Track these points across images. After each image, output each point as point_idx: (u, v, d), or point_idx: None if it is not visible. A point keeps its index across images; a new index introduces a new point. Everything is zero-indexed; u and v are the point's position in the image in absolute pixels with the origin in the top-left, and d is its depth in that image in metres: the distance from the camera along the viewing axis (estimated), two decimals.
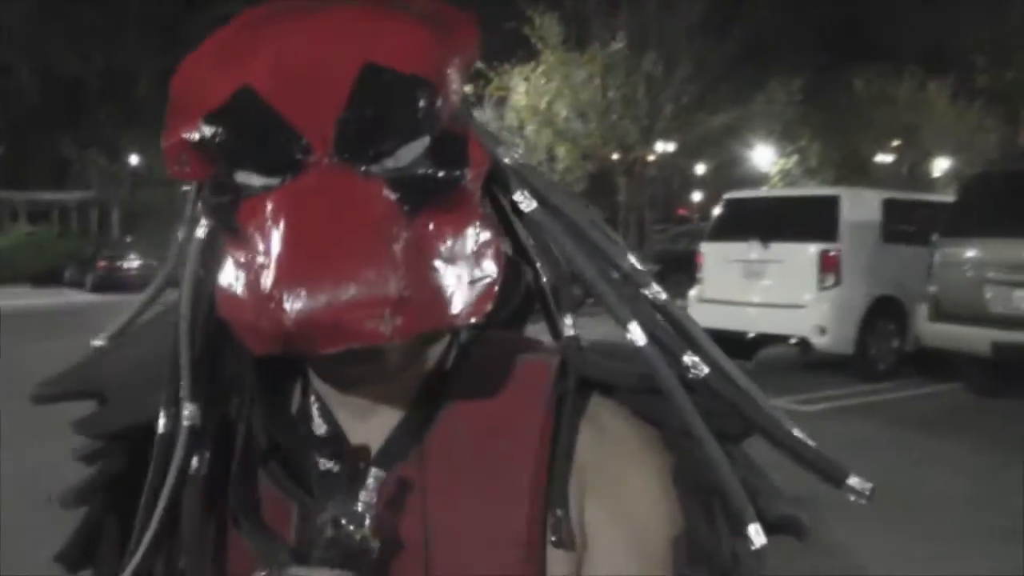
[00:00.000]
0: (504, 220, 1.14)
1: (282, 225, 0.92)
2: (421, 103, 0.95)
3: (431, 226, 0.96)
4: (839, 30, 51.66)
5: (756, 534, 1.00)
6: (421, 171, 0.95)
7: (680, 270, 19.83)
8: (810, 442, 1.03)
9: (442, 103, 0.96)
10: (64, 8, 47.94)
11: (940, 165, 50.80)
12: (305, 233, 0.91)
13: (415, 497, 1.06)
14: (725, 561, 1.04)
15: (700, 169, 46.08)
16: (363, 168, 0.94)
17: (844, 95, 49.26)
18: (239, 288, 0.97)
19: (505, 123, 31.32)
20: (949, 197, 17.69)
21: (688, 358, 1.04)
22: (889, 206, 14.18)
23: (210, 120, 0.96)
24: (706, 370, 1.04)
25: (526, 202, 1.10)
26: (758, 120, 39.92)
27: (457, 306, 0.97)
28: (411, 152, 0.96)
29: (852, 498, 1.00)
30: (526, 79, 31.71)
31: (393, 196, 0.94)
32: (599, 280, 1.07)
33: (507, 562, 1.03)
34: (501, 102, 31.39)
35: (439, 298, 0.96)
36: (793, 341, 13.72)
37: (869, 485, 1.00)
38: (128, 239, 43.36)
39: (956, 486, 8.08)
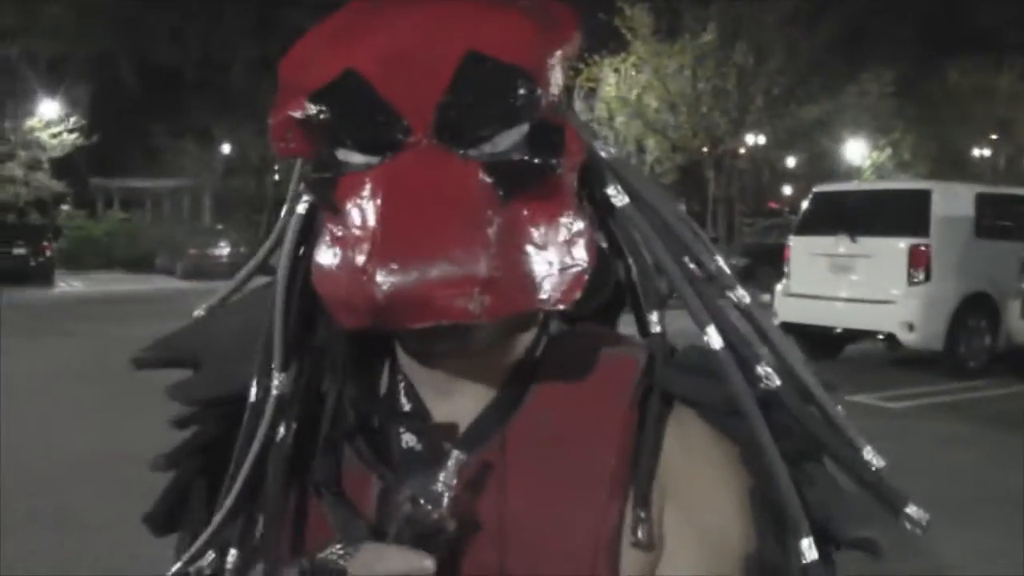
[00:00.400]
0: (599, 214, 1.15)
1: (379, 201, 0.96)
2: (521, 92, 0.97)
3: (524, 212, 0.99)
4: (935, 20, 50.73)
5: (808, 548, 1.01)
6: (517, 157, 0.98)
7: (769, 263, 19.74)
8: (878, 462, 1.04)
9: (541, 93, 0.99)
10: None
11: None
12: (401, 210, 0.95)
13: (494, 481, 1.07)
14: None
15: (791, 162, 45.60)
16: (461, 152, 0.97)
17: (939, 87, 48.51)
18: (335, 262, 1.00)
19: (595, 114, 31.29)
20: None
21: (761, 369, 1.06)
22: (982, 200, 14.00)
23: (315, 98, 0.99)
24: (777, 383, 1.05)
25: (618, 196, 1.12)
26: (850, 112, 39.43)
27: (546, 291, 0.99)
28: (508, 139, 0.98)
29: (908, 527, 1.01)
30: (616, 70, 31.65)
31: (488, 180, 0.97)
32: (682, 280, 1.09)
33: (581, 553, 1.04)
34: (591, 93, 31.36)
35: (528, 281, 0.98)
36: (881, 337, 13.59)
37: (926, 516, 1.01)
38: (219, 227, 43.88)
39: None
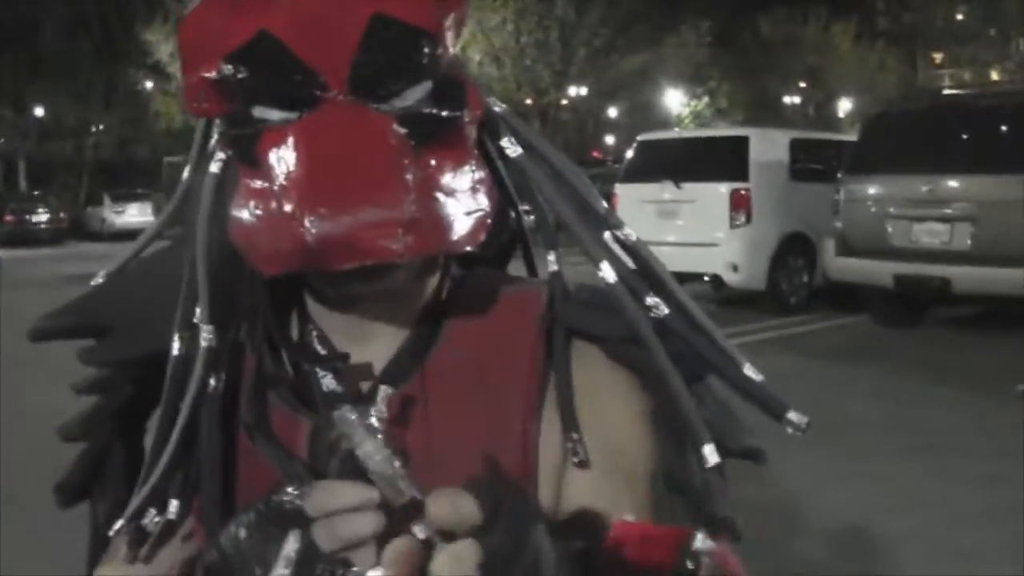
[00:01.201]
0: (490, 165, 1.18)
1: (304, 152, 1.00)
2: (425, 50, 1.04)
3: (433, 161, 1.04)
4: None
5: (711, 454, 1.08)
6: (426, 110, 1.05)
7: None
8: (757, 377, 1.11)
9: (442, 51, 1.06)
10: None
11: (844, 105, 51.49)
12: (326, 159, 1.00)
13: (418, 413, 1.12)
14: (698, 491, 1.12)
15: (613, 113, 46.15)
16: (375, 106, 1.03)
17: (752, 38, 49.61)
18: (257, 214, 1.04)
19: None
20: (853, 136, 18.05)
21: (650, 299, 1.13)
22: (796, 145, 14.45)
23: (230, 59, 1.03)
24: (666, 311, 1.13)
25: (512, 148, 1.18)
26: (670, 63, 40.00)
27: (458, 232, 1.06)
28: (415, 94, 1.05)
29: (790, 430, 1.08)
30: None
31: (402, 131, 1.02)
32: (576, 221, 1.16)
33: (507, 475, 1.10)
34: None
35: (443, 224, 1.04)
36: (706, 279, 13.93)
37: (805, 419, 1.09)
38: (36, 192, 42.48)
39: (870, 409, 8.42)
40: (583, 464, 1.11)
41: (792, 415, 1.09)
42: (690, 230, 13.85)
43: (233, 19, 1.04)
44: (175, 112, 39.69)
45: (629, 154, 16.21)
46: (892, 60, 49.93)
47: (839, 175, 12.85)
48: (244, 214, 1.07)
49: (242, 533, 0.97)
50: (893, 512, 6.05)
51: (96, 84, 45.84)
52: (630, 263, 1.16)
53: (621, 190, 15.07)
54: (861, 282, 12.46)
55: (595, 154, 50.49)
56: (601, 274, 1.14)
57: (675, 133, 20.07)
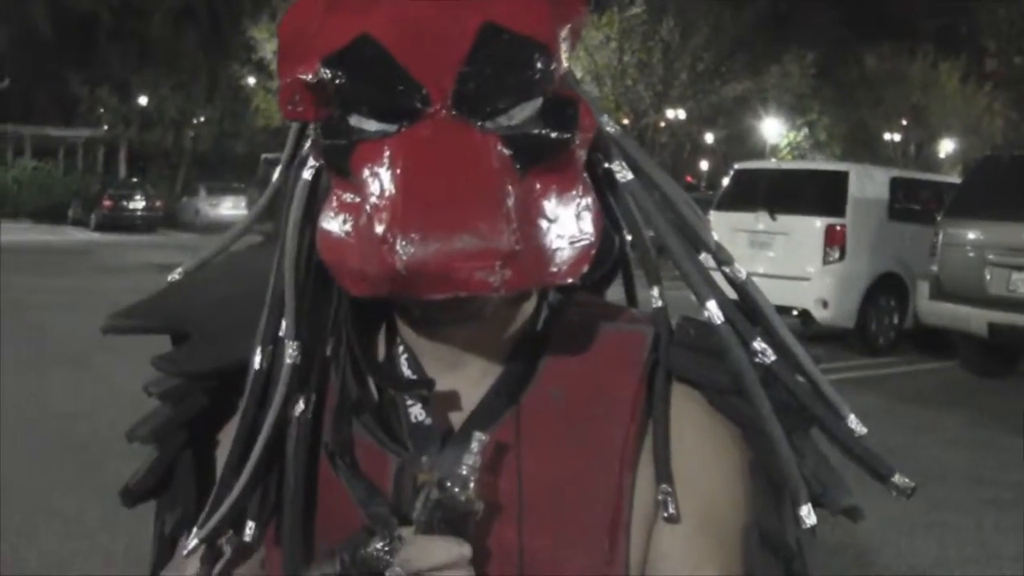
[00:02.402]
0: (598, 187, 1.12)
1: (400, 170, 0.94)
2: (537, 64, 0.98)
3: (538, 185, 0.99)
4: (855, 5, 51.40)
5: (808, 515, 1.05)
6: (535, 131, 0.98)
7: None
8: (861, 430, 1.08)
9: (555, 66, 1.00)
10: None
11: (946, 146, 50.76)
12: (423, 180, 0.93)
13: (511, 459, 1.07)
14: (791, 549, 1.10)
15: (710, 138, 45.97)
16: (479, 124, 0.97)
17: (856, 71, 49.13)
18: (346, 230, 1.00)
19: None
20: (954, 178, 17.78)
21: (757, 344, 1.08)
22: (896, 184, 14.28)
23: (329, 63, 0.98)
24: (772, 358, 1.08)
25: (622, 172, 1.12)
26: (771, 92, 39.77)
27: (559, 264, 1.00)
28: (524, 112, 0.99)
29: (894, 494, 1.07)
30: None
31: (507, 153, 0.97)
32: (684, 256, 1.11)
33: (598, 527, 1.06)
34: None
35: (544, 255, 0.98)
36: (795, 313, 13.84)
37: (911, 484, 1.06)
38: (134, 180, 43.20)
39: (954, 458, 8.25)
40: (673, 519, 1.07)
41: (897, 479, 1.06)
42: (782, 262, 13.75)
43: (334, 17, 1.00)
44: (275, 110, 40.09)
45: (725, 181, 16.17)
46: (1000, 104, 49.11)
47: (939, 217, 12.66)
48: (333, 228, 1.02)
49: None
50: (967, 564, 5.95)
51: (199, 76, 46.57)
52: (736, 300, 1.12)
53: (715, 217, 15.00)
54: (953, 328, 12.27)
55: (688, 179, 50.37)
56: (707, 314, 1.09)
57: (773, 164, 19.98)
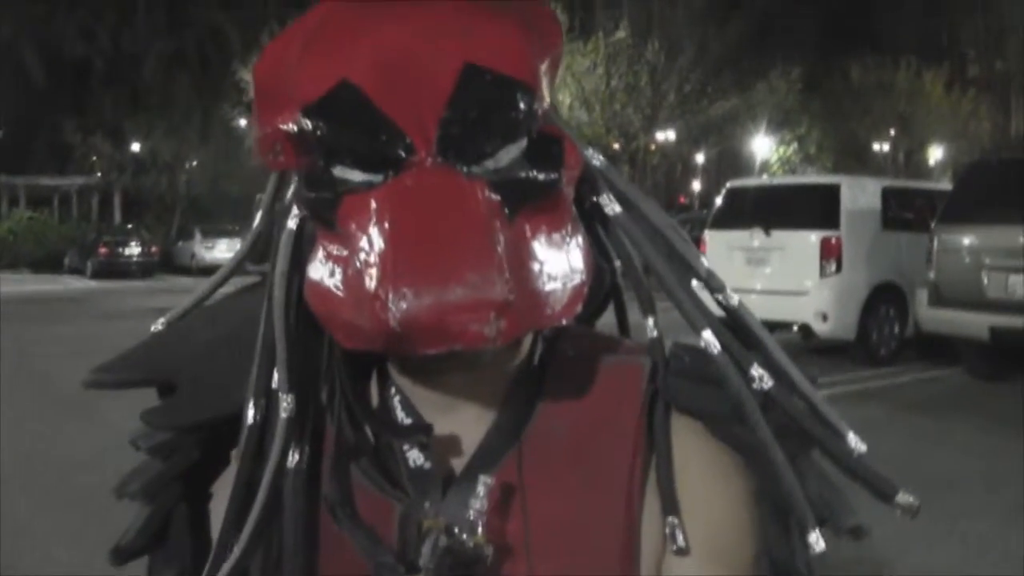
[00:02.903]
0: (586, 219, 1.12)
1: (388, 224, 0.92)
2: (521, 105, 0.96)
3: (527, 227, 0.97)
4: (838, 18, 51.66)
5: (816, 541, 1.03)
6: (522, 174, 0.97)
7: None
8: (861, 447, 1.07)
9: (539, 104, 0.98)
10: None
11: (935, 153, 50.94)
12: (412, 233, 0.91)
13: (516, 499, 1.05)
14: (801, 574, 1.09)
15: (701, 158, 46.04)
16: (465, 169, 0.95)
17: (842, 84, 49.34)
18: (335, 284, 0.98)
19: None
20: (946, 185, 17.83)
21: (755, 371, 1.07)
22: (888, 194, 14.29)
23: (309, 112, 0.96)
24: (770, 383, 1.07)
25: (610, 206, 1.11)
26: (759, 108, 39.86)
27: (553, 306, 0.99)
28: (510, 154, 0.97)
29: (899, 513, 1.05)
30: None
31: (495, 198, 0.94)
32: (676, 286, 1.10)
33: (607, 559, 1.05)
34: None
35: (537, 299, 0.97)
36: (795, 328, 13.81)
37: (916, 502, 1.04)
38: (129, 226, 43.32)
39: (966, 465, 8.22)
40: (682, 551, 1.05)
41: (901, 497, 1.04)
42: (779, 278, 13.77)
43: (311, 60, 0.97)
44: None
45: (718, 200, 16.18)
46: (985, 108, 49.30)
47: (933, 225, 12.67)
48: (322, 280, 1.00)
49: None
50: (997, 566, 5.93)
51: (192, 120, 46.68)
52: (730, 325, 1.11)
53: (710, 236, 15.03)
54: (955, 334, 12.27)
55: (681, 199, 50.44)
56: (703, 343, 1.08)
57: (765, 180, 20.05)
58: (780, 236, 13.88)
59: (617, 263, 1.18)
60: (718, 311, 1.12)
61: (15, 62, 47.65)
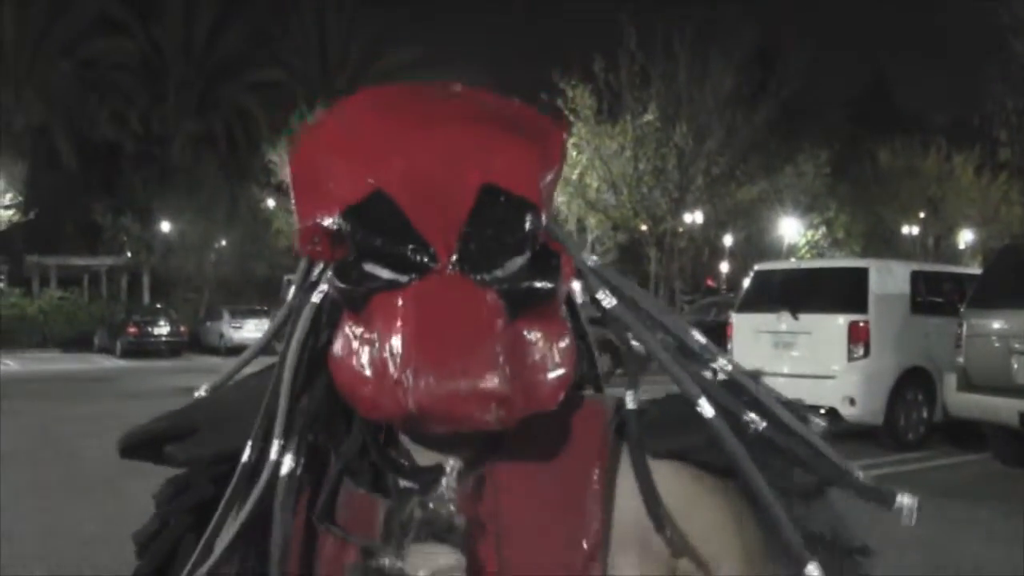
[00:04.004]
0: (573, 312, 1.28)
1: (412, 323, 1.06)
2: (528, 224, 1.11)
3: (526, 330, 1.12)
4: (866, 102, 51.85)
5: (814, 570, 1.13)
6: (524, 283, 1.12)
7: (710, 340, 19.91)
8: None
9: (542, 222, 1.14)
10: (102, 74, 48.52)
11: (965, 237, 50.78)
12: (431, 332, 1.06)
13: (488, 493, 1.19)
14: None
15: (728, 240, 46.08)
16: (477, 277, 1.10)
17: (870, 167, 49.38)
18: (361, 364, 1.11)
19: None
20: (975, 269, 17.77)
21: (747, 416, 1.18)
22: (917, 277, 14.30)
23: (347, 215, 1.10)
24: (763, 424, 1.18)
25: (607, 299, 1.25)
26: (786, 192, 39.92)
27: (540, 395, 1.13)
28: (515, 264, 1.12)
29: (905, 515, 1.15)
30: None
31: (500, 304, 1.09)
32: (671, 362, 1.21)
33: (570, 553, 1.17)
34: None
35: (529, 390, 1.11)
36: (822, 411, 13.74)
37: (915, 501, 1.16)
38: (158, 305, 43.56)
39: (993, 551, 8.16)
40: (687, 554, 1.18)
41: (901, 499, 1.15)
42: (806, 362, 13.75)
43: (347, 167, 1.12)
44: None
45: (745, 283, 16.19)
46: (1016, 192, 49.17)
47: (962, 309, 12.63)
48: (348, 359, 1.14)
49: None
50: None
51: (220, 200, 47.07)
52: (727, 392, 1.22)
53: (737, 320, 15.05)
54: (983, 419, 12.19)
55: (708, 282, 50.41)
56: (699, 409, 1.18)
57: (792, 263, 20.05)
58: (808, 320, 13.90)
59: (597, 354, 1.37)
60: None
61: (47, 145, 48.34)
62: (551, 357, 1.14)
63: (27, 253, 47.45)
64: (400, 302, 1.08)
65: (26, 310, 43.54)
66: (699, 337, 1.25)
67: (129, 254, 47.89)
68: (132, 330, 38.61)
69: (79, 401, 20.10)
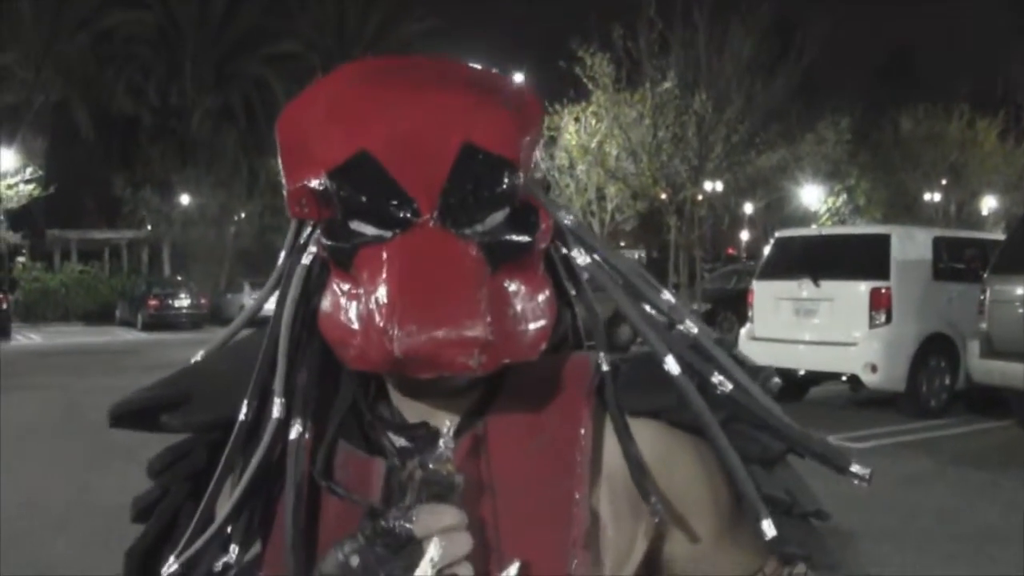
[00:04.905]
0: (552, 269, 1.32)
1: (396, 273, 1.11)
2: (506, 180, 1.16)
3: (506, 281, 1.18)
4: (888, 69, 51.52)
5: (768, 528, 1.21)
6: (504, 236, 1.17)
7: (731, 308, 19.93)
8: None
9: (520, 180, 1.18)
10: (120, 47, 48.56)
11: (988, 204, 50.48)
12: (416, 282, 1.11)
13: (483, 453, 1.25)
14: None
15: (749, 209, 45.90)
16: (458, 231, 1.15)
17: (892, 134, 49.08)
18: (348, 316, 1.17)
19: (556, 162, 31.32)
20: (998, 235, 17.68)
21: (715, 378, 1.25)
22: (939, 244, 14.29)
23: (333, 175, 1.15)
24: (730, 386, 1.25)
25: (581, 257, 1.32)
26: (807, 159, 39.69)
27: (522, 344, 1.18)
28: (495, 219, 1.17)
29: (855, 482, 1.20)
30: (576, 119, 31.60)
31: (481, 256, 1.14)
32: (640, 320, 1.28)
33: (559, 510, 1.23)
34: (552, 142, 31.33)
35: (510, 339, 1.16)
36: (844, 379, 13.76)
37: (868, 470, 1.19)
38: (178, 278, 43.67)
39: (1014, 519, 8.12)
40: (656, 515, 1.22)
41: (855, 468, 1.20)
42: (828, 329, 13.73)
43: (331, 130, 1.17)
44: None
45: (766, 251, 16.15)
46: None
47: (985, 275, 12.57)
48: (337, 313, 1.19)
49: (354, 560, 1.08)
50: None
51: (239, 173, 47.13)
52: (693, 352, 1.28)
53: (758, 287, 15.02)
54: (1006, 386, 12.14)
55: (729, 250, 50.29)
56: (666, 367, 1.25)
57: (814, 230, 19.95)
58: (829, 287, 13.87)
59: (578, 310, 1.41)
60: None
61: (66, 119, 48.44)
62: (531, 308, 1.20)
63: (48, 227, 47.66)
64: (385, 255, 1.13)
65: (48, 284, 43.79)
66: (669, 298, 1.31)
67: (149, 227, 48.04)
68: (153, 303, 38.71)
69: (102, 374, 20.20)
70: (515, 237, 1.18)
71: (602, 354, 1.30)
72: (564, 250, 1.32)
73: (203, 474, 1.33)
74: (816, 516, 1.33)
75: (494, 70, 1.31)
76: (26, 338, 33.40)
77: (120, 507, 1.38)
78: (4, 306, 33.90)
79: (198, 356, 1.43)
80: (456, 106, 1.17)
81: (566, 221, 1.32)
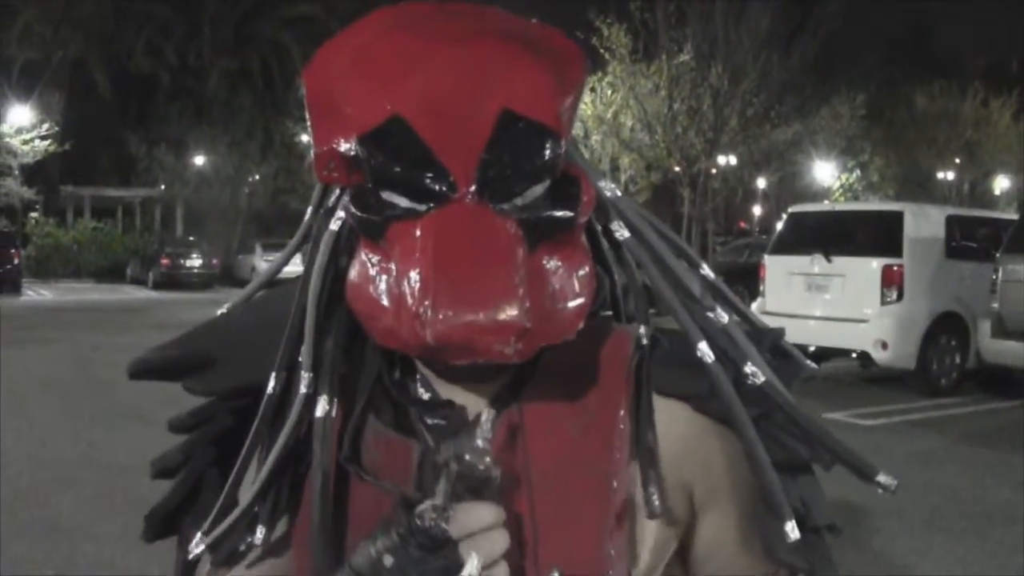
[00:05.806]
0: (594, 240, 1.26)
1: (431, 252, 1.04)
2: (547, 151, 1.08)
3: (545, 259, 1.10)
4: (904, 46, 51.26)
5: (792, 530, 1.16)
6: (545, 213, 1.09)
7: (742, 282, 19.88)
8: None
9: (562, 149, 1.10)
10: (138, 6, 48.45)
11: (1001, 183, 50.36)
12: (451, 262, 1.03)
13: (519, 440, 1.19)
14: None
15: (762, 183, 45.78)
16: (496, 206, 1.07)
17: (907, 111, 48.91)
18: (379, 292, 1.10)
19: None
20: (1011, 214, 17.62)
21: (748, 368, 1.19)
22: (952, 222, 14.21)
23: (364, 142, 1.07)
24: (762, 379, 1.19)
25: (620, 231, 1.25)
26: (821, 135, 39.58)
27: (560, 325, 1.12)
28: (535, 192, 1.09)
29: (880, 492, 1.17)
30: (592, 89, 31.56)
31: (520, 233, 1.07)
32: (676, 303, 1.22)
33: (598, 500, 1.18)
34: None
35: (549, 321, 1.09)
36: (854, 355, 13.74)
37: (895, 481, 1.15)
38: (191, 238, 43.68)
39: (1021, 499, 8.12)
40: (652, 515, 1.18)
41: (881, 477, 1.16)
42: (839, 305, 13.70)
43: (361, 86, 1.09)
44: None
45: (779, 225, 16.11)
46: None
47: (998, 254, 12.52)
48: (366, 286, 1.12)
49: (387, 560, 1.04)
50: None
51: (254, 134, 47.06)
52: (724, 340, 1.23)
53: (770, 261, 14.98)
54: (1017, 366, 12.11)
55: (741, 224, 50.17)
56: (699, 354, 1.20)
57: (827, 206, 19.91)
58: (841, 263, 13.83)
59: (618, 278, 1.34)
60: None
61: (84, 77, 48.39)
62: (571, 286, 1.13)
63: (62, 184, 47.65)
64: (418, 232, 1.06)
65: (60, 240, 43.88)
66: (708, 272, 1.28)
67: (163, 186, 48.00)
68: (165, 262, 38.77)
69: (112, 331, 20.26)
70: (556, 212, 1.10)
71: (643, 328, 1.25)
72: (605, 223, 1.26)
73: (225, 439, 1.30)
74: (829, 531, 1.25)
75: (534, 20, 1.21)
76: (37, 294, 33.46)
77: (129, 466, 1.36)
78: (16, 261, 33.91)
79: (222, 309, 1.40)
80: (495, 64, 1.09)
81: (608, 192, 1.25)
